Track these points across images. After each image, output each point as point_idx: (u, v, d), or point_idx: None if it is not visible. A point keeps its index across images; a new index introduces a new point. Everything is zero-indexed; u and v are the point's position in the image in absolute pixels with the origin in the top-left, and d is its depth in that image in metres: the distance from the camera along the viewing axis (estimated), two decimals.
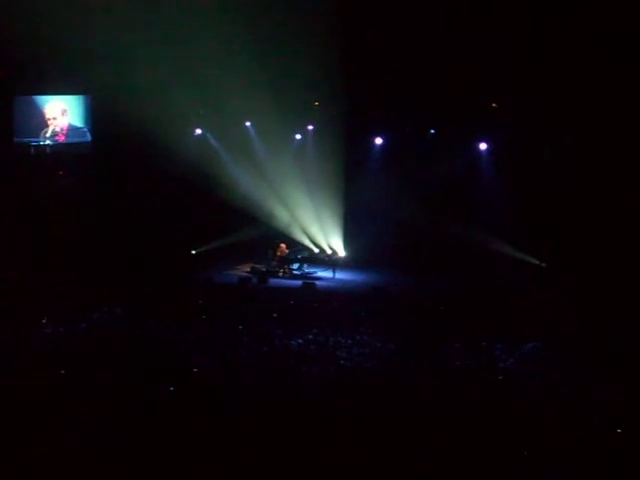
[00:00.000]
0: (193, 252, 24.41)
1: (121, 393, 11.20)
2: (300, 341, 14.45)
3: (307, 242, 24.18)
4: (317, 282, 21.17)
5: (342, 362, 13.24)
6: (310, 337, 14.75)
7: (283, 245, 23.09)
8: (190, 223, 24.00)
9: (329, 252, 23.84)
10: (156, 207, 23.24)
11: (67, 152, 24.49)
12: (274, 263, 22.89)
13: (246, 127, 25.06)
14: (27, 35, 20.07)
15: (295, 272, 22.85)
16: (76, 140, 24.49)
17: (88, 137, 24.51)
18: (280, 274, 22.57)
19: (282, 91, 21.53)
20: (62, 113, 24.33)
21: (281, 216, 24.53)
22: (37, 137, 24.15)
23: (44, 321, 14.93)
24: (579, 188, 21.07)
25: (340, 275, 22.46)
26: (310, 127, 24.99)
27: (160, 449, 9.35)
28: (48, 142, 24.29)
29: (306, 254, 23.50)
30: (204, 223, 24.02)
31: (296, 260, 23.09)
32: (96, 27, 20.63)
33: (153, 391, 11.33)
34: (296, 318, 16.34)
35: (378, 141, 24.63)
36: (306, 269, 23.11)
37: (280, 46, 20.81)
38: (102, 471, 8.90)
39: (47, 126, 24.20)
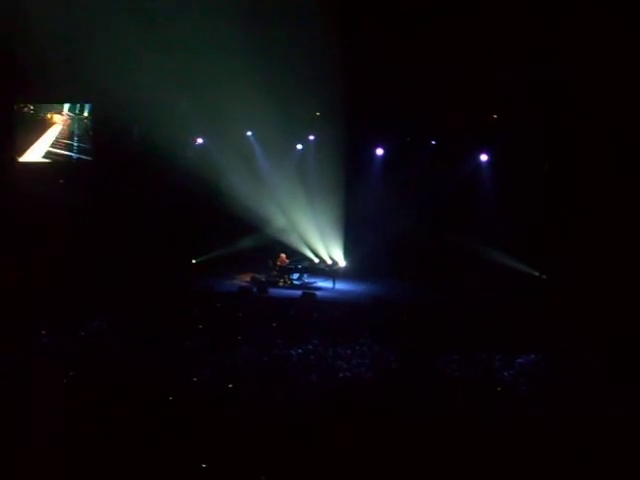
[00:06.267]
0: (194, 261, 24.43)
1: (119, 402, 11.18)
2: (300, 351, 14.43)
3: (307, 252, 24.19)
4: (317, 292, 21.15)
5: (341, 375, 13.22)
6: (310, 347, 14.73)
7: (283, 255, 23.12)
8: (191, 232, 24.02)
9: (329, 262, 23.87)
10: (157, 216, 23.22)
11: (68, 160, 24.51)
12: (274, 273, 22.92)
13: (247, 137, 25.08)
14: (28, 43, 20.11)
15: (295, 282, 22.87)
16: (77, 147, 24.50)
17: (89, 145, 24.54)
18: (280, 284, 22.57)
19: (283, 101, 21.52)
20: (62, 121, 24.36)
21: (281, 226, 24.53)
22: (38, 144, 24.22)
23: (43, 332, 14.89)
24: (580, 200, 21.07)
25: (340, 285, 22.46)
26: (311, 137, 25.00)
27: (160, 459, 9.34)
28: (49, 149, 24.31)
29: (306, 264, 23.52)
30: (205, 232, 24.03)
31: (296, 270, 23.11)
32: (97, 35, 20.67)
33: (153, 400, 11.31)
34: (296, 328, 16.33)
35: (379, 152, 24.65)
36: (306, 279, 23.14)
37: (282, 56, 20.83)
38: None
39: (47, 134, 24.24)
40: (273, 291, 21.50)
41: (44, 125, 24.37)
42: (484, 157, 23.54)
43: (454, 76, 20.70)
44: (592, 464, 9.61)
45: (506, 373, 13.50)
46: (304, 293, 20.52)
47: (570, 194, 21.33)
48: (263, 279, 22.48)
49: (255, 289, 21.26)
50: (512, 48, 19.84)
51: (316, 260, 24.06)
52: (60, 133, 24.36)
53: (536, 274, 22.18)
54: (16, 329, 14.85)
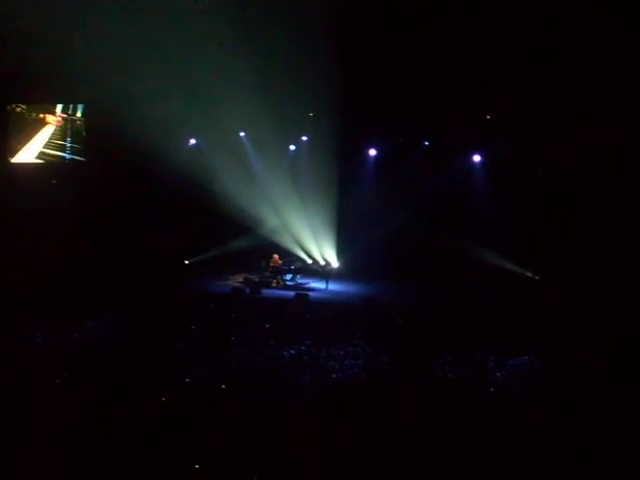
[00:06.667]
0: (186, 262, 24.42)
1: (113, 403, 11.17)
2: (293, 352, 14.44)
3: (300, 253, 24.20)
4: (310, 293, 21.13)
5: (334, 376, 13.23)
6: (303, 348, 14.75)
7: (276, 256, 23.12)
8: (183, 233, 24.00)
9: (322, 263, 23.88)
10: (150, 216, 23.21)
11: (61, 160, 24.49)
12: (267, 274, 22.91)
13: (240, 137, 25.08)
14: (20, 43, 20.08)
15: (288, 283, 22.86)
16: (70, 148, 24.49)
17: (82, 145, 24.50)
18: (273, 285, 22.57)
19: (276, 101, 21.53)
20: (55, 121, 24.35)
21: (274, 226, 24.54)
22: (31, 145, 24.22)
23: (38, 333, 14.85)
24: (575, 201, 21.11)
25: (333, 286, 22.44)
26: (304, 138, 25.01)
27: (154, 459, 9.35)
28: (42, 150, 24.31)
29: (299, 265, 23.52)
30: (197, 233, 24.02)
31: (289, 271, 23.11)
32: (91, 37, 20.63)
33: (145, 401, 11.31)
34: (289, 329, 16.34)
35: (372, 152, 24.67)
36: (299, 280, 23.14)
37: (275, 57, 20.83)
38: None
39: (40, 134, 24.23)
40: (266, 292, 21.47)
41: (37, 125, 24.37)
42: (477, 158, 23.56)
43: (448, 77, 20.70)
44: (591, 464, 9.64)
45: (499, 374, 13.53)
46: (297, 294, 20.49)
47: (564, 195, 21.36)
48: (256, 280, 22.47)
49: (248, 290, 21.25)
50: (509, 49, 19.85)
51: (309, 261, 24.09)
52: (53, 134, 24.35)
53: (529, 275, 22.23)
54: (16, 329, 14.82)
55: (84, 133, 24.35)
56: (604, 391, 12.22)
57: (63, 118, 24.41)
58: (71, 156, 24.45)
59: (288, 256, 23.74)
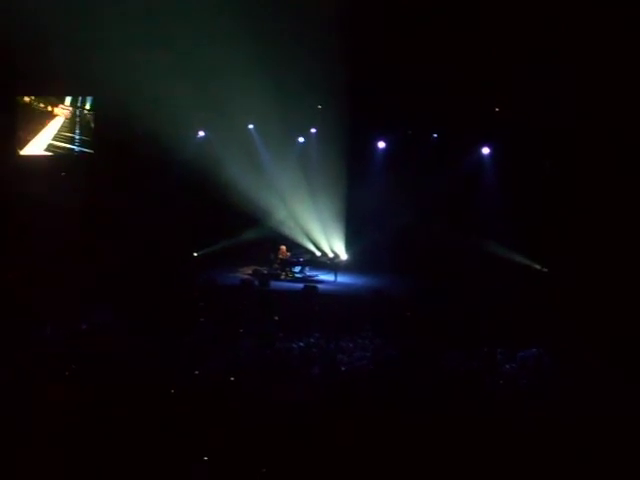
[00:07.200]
0: (195, 254, 24.44)
1: (120, 394, 11.19)
2: (302, 344, 14.45)
3: (309, 245, 24.20)
4: (319, 285, 21.15)
5: (343, 368, 13.23)
6: (312, 340, 14.75)
7: (283, 247, 23.12)
8: (192, 225, 24.00)
9: (331, 255, 23.87)
10: (158, 208, 23.21)
11: (69, 153, 24.49)
12: (276, 266, 22.93)
13: (249, 130, 25.04)
14: (29, 36, 20.06)
15: (297, 275, 22.88)
16: (79, 140, 24.49)
17: (90, 138, 24.50)
18: (282, 277, 22.59)
19: (285, 94, 21.49)
20: (64, 114, 24.35)
21: (283, 218, 24.53)
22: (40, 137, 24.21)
23: (44, 325, 14.84)
24: (580, 199, 21.03)
25: (342, 278, 22.46)
26: (313, 130, 24.96)
27: (161, 451, 9.35)
28: (51, 142, 24.31)
29: (308, 257, 23.53)
30: (206, 225, 24.02)
31: (298, 263, 23.12)
32: (98, 30, 20.60)
33: (154, 393, 11.32)
34: (298, 321, 16.34)
35: (381, 144, 24.60)
36: (308, 272, 23.14)
37: (283, 49, 20.76)
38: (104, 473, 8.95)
39: (49, 126, 24.24)
40: (275, 284, 21.49)
41: (46, 117, 24.32)
42: (486, 150, 23.48)
43: (458, 69, 20.61)
44: (592, 464, 9.61)
45: (508, 366, 13.51)
46: (306, 286, 20.49)
47: (571, 193, 21.28)
48: (265, 272, 22.49)
49: (257, 282, 21.25)
50: (516, 44, 19.78)
51: (318, 253, 24.09)
52: (62, 126, 24.33)
53: (538, 267, 22.16)
54: (16, 329, 14.79)
55: (93, 125, 24.33)
56: (608, 391, 12.19)
57: (71, 110, 24.39)
58: (80, 148, 24.43)
59: (297, 248, 23.75)
